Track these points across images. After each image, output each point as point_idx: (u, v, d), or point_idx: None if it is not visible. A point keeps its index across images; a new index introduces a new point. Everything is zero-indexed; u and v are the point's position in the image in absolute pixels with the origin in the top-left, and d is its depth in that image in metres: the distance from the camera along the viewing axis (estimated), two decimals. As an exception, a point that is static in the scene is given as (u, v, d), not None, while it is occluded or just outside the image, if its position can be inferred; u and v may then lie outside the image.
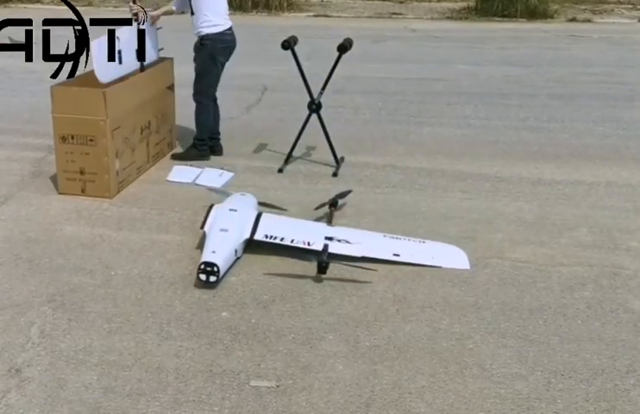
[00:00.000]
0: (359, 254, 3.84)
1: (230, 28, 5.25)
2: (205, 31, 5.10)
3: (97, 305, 3.44)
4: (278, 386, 2.86)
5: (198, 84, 5.30)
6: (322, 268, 3.66)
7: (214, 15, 5.13)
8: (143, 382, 2.87)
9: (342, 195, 4.57)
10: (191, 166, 5.26)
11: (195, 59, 5.27)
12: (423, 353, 3.09)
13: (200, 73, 5.26)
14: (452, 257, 3.95)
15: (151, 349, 3.09)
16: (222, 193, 4.61)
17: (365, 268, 3.71)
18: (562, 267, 3.85)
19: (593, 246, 4.12)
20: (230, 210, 4.08)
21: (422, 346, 3.14)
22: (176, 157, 5.45)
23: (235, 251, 3.80)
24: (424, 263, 3.86)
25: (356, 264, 3.73)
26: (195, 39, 5.22)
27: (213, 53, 5.16)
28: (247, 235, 3.91)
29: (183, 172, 5.14)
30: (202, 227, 3.94)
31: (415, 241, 4.08)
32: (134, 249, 3.97)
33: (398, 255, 3.89)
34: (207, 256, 3.60)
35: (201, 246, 3.85)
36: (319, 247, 3.82)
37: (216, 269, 3.55)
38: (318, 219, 4.32)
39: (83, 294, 3.53)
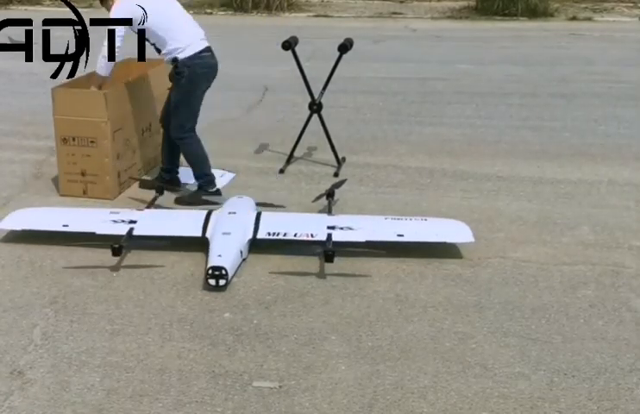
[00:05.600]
0: (363, 239, 3.85)
1: (209, 49, 4.56)
2: (179, 57, 4.42)
3: (99, 307, 3.44)
4: (280, 387, 2.86)
5: (177, 117, 4.53)
6: (328, 257, 3.65)
7: (184, 37, 4.47)
8: (146, 383, 2.87)
9: (338, 185, 4.61)
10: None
11: (170, 93, 4.60)
12: (425, 353, 3.08)
13: (178, 104, 4.51)
14: (455, 231, 4.01)
15: (153, 351, 3.09)
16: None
17: (371, 249, 3.76)
18: (564, 266, 3.85)
19: (595, 245, 4.11)
20: (229, 213, 4.09)
21: (424, 346, 3.13)
22: (180, 201, 4.63)
23: (241, 252, 3.80)
24: (429, 240, 3.91)
25: (363, 249, 3.77)
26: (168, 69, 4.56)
27: (192, 77, 4.45)
28: (250, 235, 3.91)
29: (184, 174, 5.14)
30: (202, 234, 3.93)
31: (417, 219, 4.13)
32: (135, 251, 3.96)
33: (402, 235, 3.91)
34: (214, 261, 3.59)
35: (205, 251, 3.83)
36: (323, 238, 3.82)
37: (224, 272, 3.54)
38: (318, 212, 4.33)
39: (85, 296, 3.53)
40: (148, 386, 2.85)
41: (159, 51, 4.53)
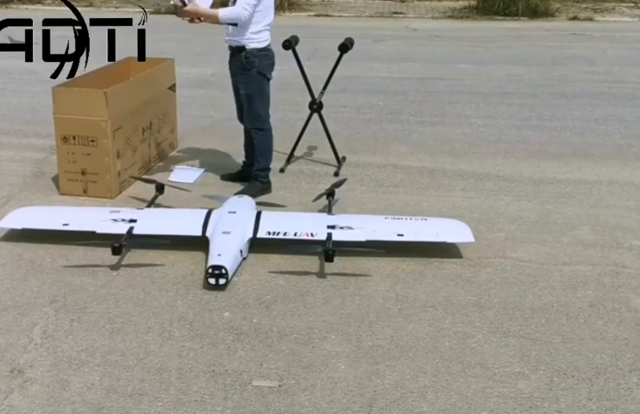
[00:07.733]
0: (363, 238, 3.85)
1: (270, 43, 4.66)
2: (251, 46, 4.49)
3: (99, 306, 3.44)
4: (280, 386, 2.86)
5: (253, 108, 4.69)
6: (329, 256, 3.66)
7: (263, 27, 4.51)
8: (145, 382, 2.87)
9: (338, 184, 4.62)
10: (192, 166, 5.27)
11: (239, 83, 4.67)
12: (425, 352, 3.08)
13: (252, 96, 4.65)
14: (455, 231, 4.02)
15: (153, 350, 3.09)
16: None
17: (371, 249, 3.75)
18: (565, 266, 3.85)
19: (595, 244, 4.11)
20: (229, 212, 4.09)
21: (424, 345, 3.13)
22: (243, 191, 4.69)
23: (241, 251, 3.80)
24: (429, 240, 3.91)
25: (363, 249, 3.77)
26: (227, 49, 4.62)
27: (261, 70, 4.58)
28: (250, 235, 3.92)
29: (184, 173, 5.15)
30: (202, 234, 3.94)
31: (417, 219, 4.14)
32: (135, 250, 3.96)
33: (402, 235, 3.91)
34: (214, 260, 3.59)
35: (205, 250, 3.83)
36: (323, 237, 3.82)
37: (224, 271, 3.55)
38: (318, 211, 4.33)
39: (85, 295, 3.53)
40: (148, 385, 2.85)
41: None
